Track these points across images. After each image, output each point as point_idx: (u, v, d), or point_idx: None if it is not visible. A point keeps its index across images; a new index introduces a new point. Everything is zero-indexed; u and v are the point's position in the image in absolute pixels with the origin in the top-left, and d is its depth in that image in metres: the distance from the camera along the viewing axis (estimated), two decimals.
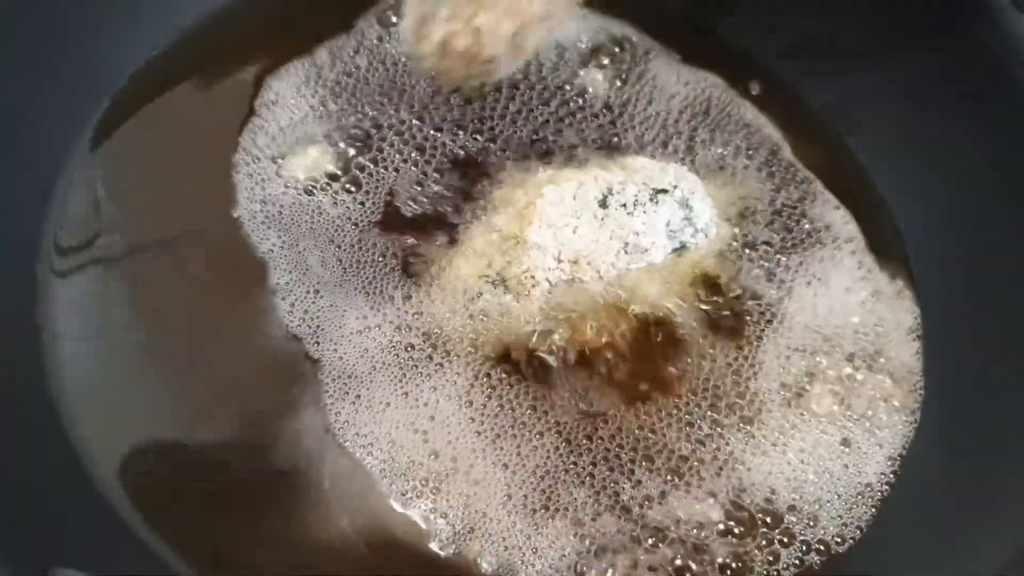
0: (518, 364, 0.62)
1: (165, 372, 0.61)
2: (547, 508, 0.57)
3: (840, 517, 0.60)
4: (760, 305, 0.66)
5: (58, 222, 0.64)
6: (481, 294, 0.63)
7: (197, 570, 0.55)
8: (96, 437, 0.58)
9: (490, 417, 0.59)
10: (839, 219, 0.70)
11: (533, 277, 0.62)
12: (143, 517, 0.56)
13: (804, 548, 0.59)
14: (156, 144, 0.68)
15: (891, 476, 0.62)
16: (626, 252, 0.63)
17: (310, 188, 0.66)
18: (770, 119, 0.73)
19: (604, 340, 0.63)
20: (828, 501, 0.60)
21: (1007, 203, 0.65)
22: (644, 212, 0.63)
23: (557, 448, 0.59)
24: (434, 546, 0.56)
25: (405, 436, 0.58)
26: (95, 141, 0.67)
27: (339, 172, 0.67)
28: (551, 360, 0.62)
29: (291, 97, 0.70)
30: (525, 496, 0.57)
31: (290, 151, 0.68)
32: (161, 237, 0.65)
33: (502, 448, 0.58)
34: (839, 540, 0.59)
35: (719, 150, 0.71)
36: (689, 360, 0.64)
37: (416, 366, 0.60)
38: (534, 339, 0.62)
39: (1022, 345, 0.62)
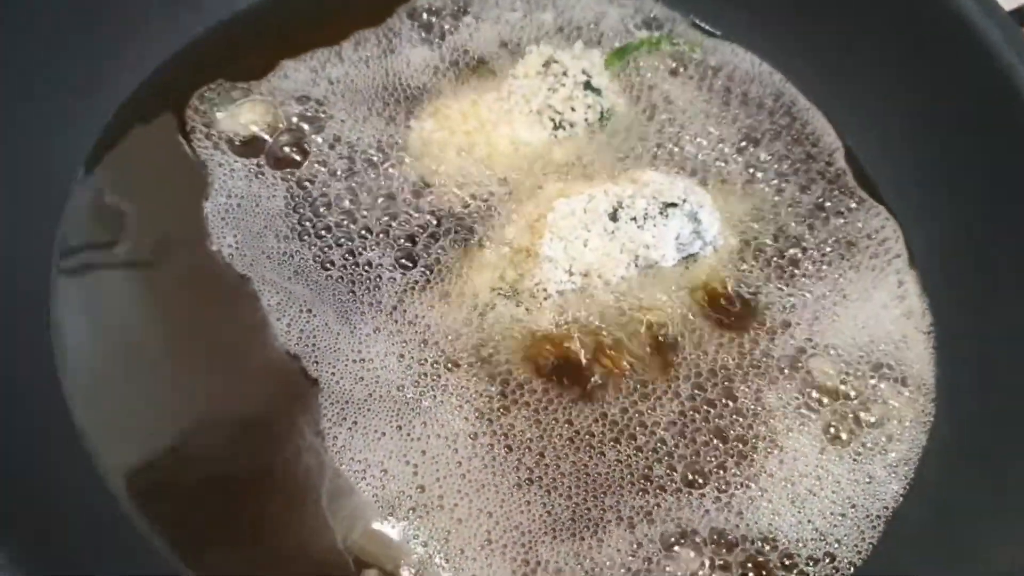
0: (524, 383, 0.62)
1: (169, 377, 0.62)
2: (527, 562, 0.57)
3: (853, 531, 0.60)
4: (773, 314, 0.66)
5: (68, 227, 0.65)
6: (494, 306, 0.64)
7: (196, 572, 0.56)
8: (104, 435, 0.59)
9: (477, 468, 0.59)
10: (882, 231, 0.71)
11: (545, 289, 0.63)
12: (144, 513, 0.56)
13: (812, 562, 0.59)
14: (163, 151, 0.69)
15: (904, 487, 0.62)
16: (636, 264, 0.64)
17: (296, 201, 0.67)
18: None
19: (615, 352, 0.64)
20: (841, 514, 0.60)
21: (1013, 214, 0.65)
22: (654, 225, 0.64)
23: (545, 508, 0.59)
24: (405, 573, 0.56)
25: (397, 467, 0.59)
26: (103, 147, 0.68)
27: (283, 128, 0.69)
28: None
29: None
30: (505, 546, 0.57)
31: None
32: (164, 242, 0.66)
33: (487, 498, 0.58)
34: (855, 551, 0.59)
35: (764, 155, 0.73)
36: (698, 370, 0.64)
37: (408, 403, 0.61)
38: (547, 347, 0.63)
39: None
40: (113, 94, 0.70)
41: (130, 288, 0.65)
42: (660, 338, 0.64)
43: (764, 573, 0.58)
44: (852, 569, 0.58)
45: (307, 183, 0.68)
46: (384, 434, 0.60)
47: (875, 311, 0.68)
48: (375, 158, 0.69)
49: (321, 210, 0.67)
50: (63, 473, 0.56)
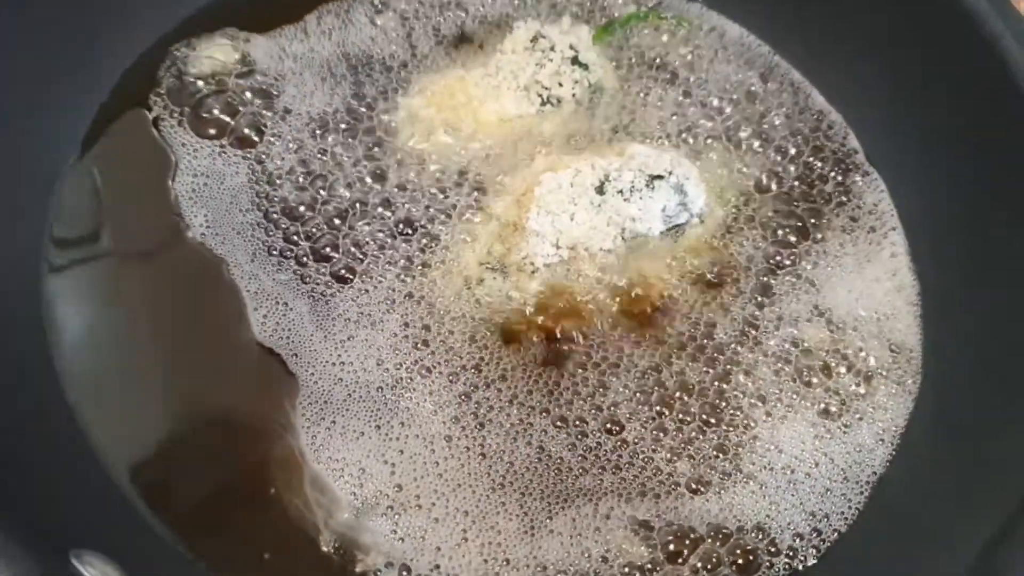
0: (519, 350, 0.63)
1: (157, 369, 0.63)
2: (507, 562, 0.58)
3: (841, 500, 0.61)
4: (764, 285, 0.67)
5: (57, 218, 0.66)
6: (482, 280, 0.64)
7: (194, 554, 0.57)
8: (103, 427, 0.60)
9: (454, 467, 0.60)
10: (875, 203, 0.71)
11: (532, 263, 0.63)
12: (144, 501, 0.58)
13: (798, 538, 0.59)
14: (149, 141, 0.69)
15: (891, 453, 0.62)
16: (623, 237, 0.64)
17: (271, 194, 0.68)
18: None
19: (603, 322, 0.64)
20: (828, 489, 0.61)
21: (1002, 183, 0.65)
22: (640, 198, 0.64)
23: (522, 508, 0.59)
24: (380, 560, 0.57)
25: (374, 466, 0.59)
26: (92, 136, 0.69)
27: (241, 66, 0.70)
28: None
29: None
30: (482, 545, 0.58)
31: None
32: (149, 234, 0.67)
33: (464, 497, 0.59)
34: (842, 519, 0.60)
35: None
36: (687, 336, 0.64)
37: (388, 402, 0.61)
38: (537, 322, 0.63)
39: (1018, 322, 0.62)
40: (97, 82, 0.70)
41: (118, 275, 0.66)
42: (648, 310, 0.65)
43: (751, 558, 0.58)
44: (836, 536, 0.59)
45: (267, 161, 0.68)
46: (363, 434, 0.60)
47: (867, 284, 0.68)
48: (358, 133, 0.69)
49: (306, 190, 0.67)
50: (59, 453, 0.57)
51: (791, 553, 0.59)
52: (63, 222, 0.66)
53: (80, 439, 0.58)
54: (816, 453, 0.62)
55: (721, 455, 0.61)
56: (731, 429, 0.62)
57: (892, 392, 0.64)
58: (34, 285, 0.63)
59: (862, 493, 0.61)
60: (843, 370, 0.64)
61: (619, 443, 0.61)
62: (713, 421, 0.62)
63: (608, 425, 0.61)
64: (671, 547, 0.58)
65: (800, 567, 0.58)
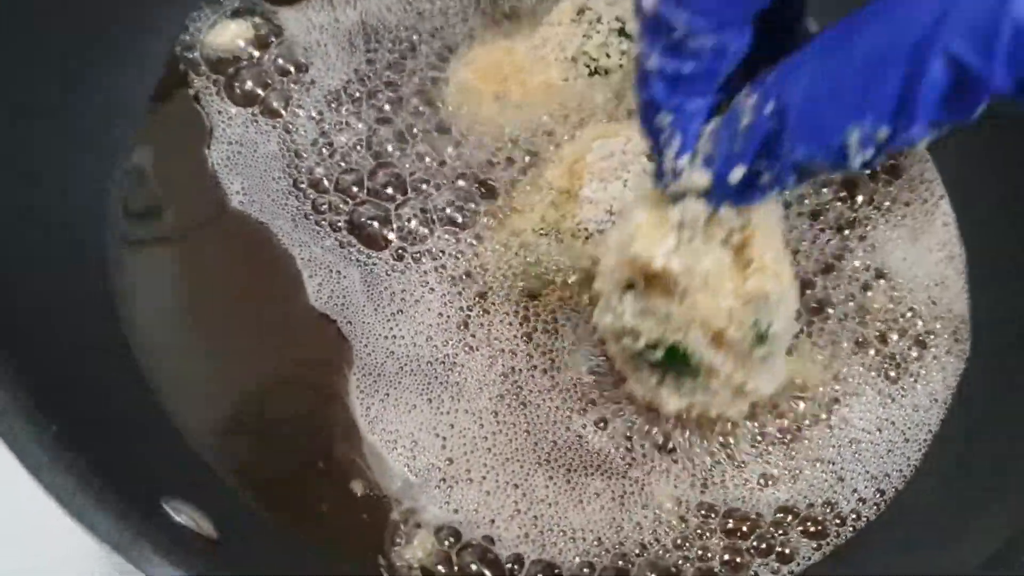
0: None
1: (222, 339, 0.64)
2: (563, 532, 0.58)
3: (901, 460, 0.61)
4: (821, 248, 0.67)
5: (125, 190, 0.68)
6: (536, 247, 0.65)
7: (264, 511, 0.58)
8: (175, 396, 0.61)
9: (503, 440, 0.60)
10: (926, 173, 0.71)
11: (586, 229, 0.64)
12: (218, 462, 0.59)
13: (861, 502, 0.60)
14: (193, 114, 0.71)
15: (945, 411, 0.63)
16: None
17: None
18: None
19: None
20: (890, 440, 0.61)
21: None
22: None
23: (567, 479, 0.59)
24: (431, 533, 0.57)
25: (427, 439, 0.60)
26: (156, 102, 0.71)
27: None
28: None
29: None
30: (535, 517, 0.58)
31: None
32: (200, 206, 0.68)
33: (513, 471, 0.59)
34: (899, 475, 0.61)
35: None
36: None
37: (438, 376, 0.62)
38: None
39: None
40: (152, 55, 0.72)
41: (178, 245, 0.67)
42: None
43: (819, 528, 0.58)
44: (895, 492, 0.60)
45: (310, 131, 0.70)
46: (415, 407, 0.61)
47: (921, 253, 0.68)
48: (413, 106, 0.70)
49: (352, 163, 0.68)
50: (137, 418, 0.59)
51: (855, 516, 0.59)
52: (125, 196, 0.67)
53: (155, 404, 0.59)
54: (880, 420, 0.62)
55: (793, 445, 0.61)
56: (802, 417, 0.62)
57: (943, 355, 0.65)
58: (102, 258, 0.64)
59: (920, 451, 0.61)
60: (896, 336, 0.65)
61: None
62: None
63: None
64: (730, 525, 0.58)
65: (863, 525, 0.59)
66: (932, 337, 0.65)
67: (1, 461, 0.44)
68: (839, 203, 0.69)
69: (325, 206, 0.67)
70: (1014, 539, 0.50)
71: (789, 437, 0.61)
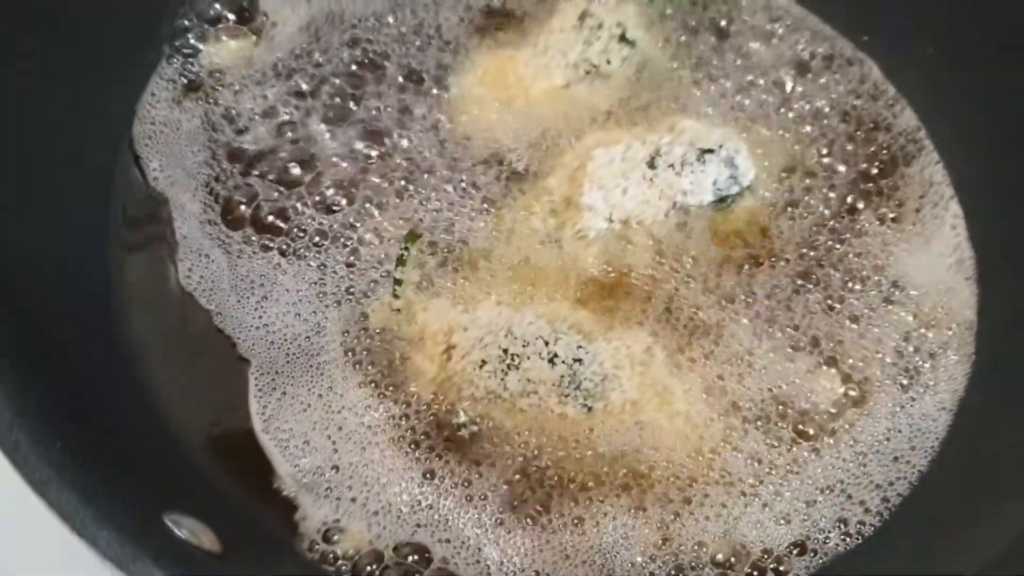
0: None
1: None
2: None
3: (905, 461, 0.61)
4: (818, 258, 0.67)
5: (124, 194, 0.68)
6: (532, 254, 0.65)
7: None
8: (176, 406, 0.61)
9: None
10: (934, 177, 0.70)
11: (586, 236, 0.64)
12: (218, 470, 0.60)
13: (867, 509, 0.59)
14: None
15: (951, 419, 0.62)
16: (674, 209, 0.65)
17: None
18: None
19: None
20: (896, 449, 0.61)
21: None
22: (692, 172, 0.65)
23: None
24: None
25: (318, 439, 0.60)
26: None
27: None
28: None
29: None
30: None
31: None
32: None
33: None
34: (904, 482, 0.60)
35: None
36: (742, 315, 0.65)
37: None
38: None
39: None
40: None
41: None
42: (708, 283, 0.65)
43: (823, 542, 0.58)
44: (900, 500, 0.59)
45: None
46: (309, 406, 0.61)
47: (932, 259, 0.67)
48: (410, 111, 0.70)
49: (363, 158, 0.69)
50: (138, 428, 0.59)
51: (860, 525, 0.59)
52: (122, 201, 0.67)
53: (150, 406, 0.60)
54: (889, 431, 0.62)
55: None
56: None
57: (951, 363, 0.64)
58: (99, 255, 0.65)
59: (926, 458, 0.61)
60: (911, 347, 0.64)
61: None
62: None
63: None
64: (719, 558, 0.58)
65: (870, 533, 0.58)
66: (942, 346, 0.64)
67: (1, 462, 0.44)
68: (844, 203, 0.69)
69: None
70: (1017, 544, 0.50)
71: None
